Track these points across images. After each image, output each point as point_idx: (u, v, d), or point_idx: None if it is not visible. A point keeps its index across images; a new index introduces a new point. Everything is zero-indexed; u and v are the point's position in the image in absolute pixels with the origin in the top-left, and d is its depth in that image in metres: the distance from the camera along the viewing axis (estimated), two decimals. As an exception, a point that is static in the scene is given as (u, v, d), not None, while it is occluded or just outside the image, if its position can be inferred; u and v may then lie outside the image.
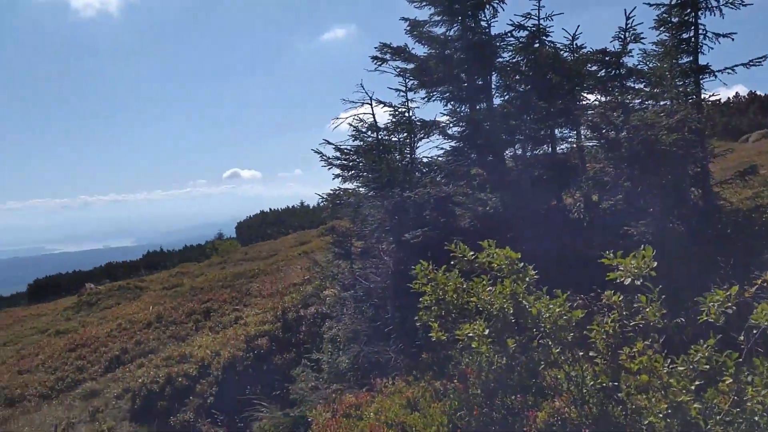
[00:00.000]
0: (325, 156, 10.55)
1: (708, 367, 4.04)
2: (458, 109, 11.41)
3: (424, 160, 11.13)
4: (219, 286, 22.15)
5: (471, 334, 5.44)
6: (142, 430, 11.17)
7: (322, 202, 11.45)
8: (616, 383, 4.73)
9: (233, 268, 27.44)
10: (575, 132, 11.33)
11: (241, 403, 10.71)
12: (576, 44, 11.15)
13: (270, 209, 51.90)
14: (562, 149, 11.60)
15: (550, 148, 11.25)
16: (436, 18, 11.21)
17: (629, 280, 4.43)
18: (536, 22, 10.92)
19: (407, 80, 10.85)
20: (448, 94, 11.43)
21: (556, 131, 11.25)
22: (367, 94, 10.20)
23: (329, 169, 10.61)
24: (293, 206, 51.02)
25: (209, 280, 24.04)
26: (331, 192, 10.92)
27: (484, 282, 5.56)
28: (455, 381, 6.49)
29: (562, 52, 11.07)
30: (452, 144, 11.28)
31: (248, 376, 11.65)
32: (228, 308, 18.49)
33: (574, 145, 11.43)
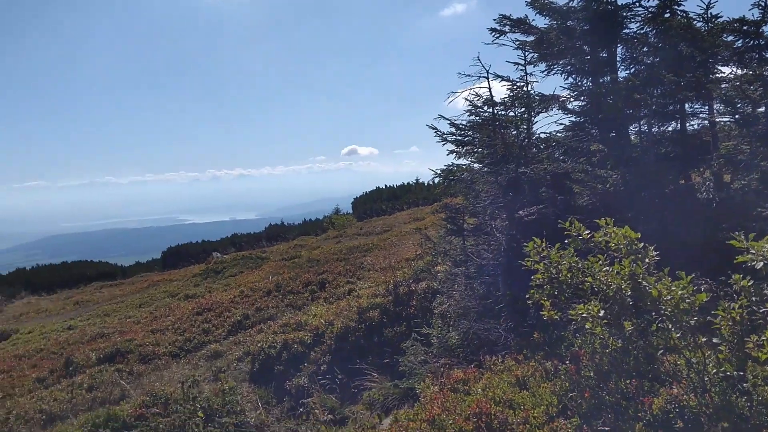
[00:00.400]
0: (440, 131, 10.49)
1: None
2: (580, 83, 10.97)
3: (542, 135, 10.81)
4: (334, 259, 22.77)
5: (585, 315, 5.28)
6: (260, 391, 11.69)
7: (435, 178, 11.42)
8: (741, 372, 4.45)
9: (348, 242, 28.10)
10: (707, 107, 10.59)
11: (352, 372, 10.99)
12: (710, 13, 10.36)
13: (385, 185, 52.46)
14: (692, 125, 10.87)
15: (678, 124, 10.59)
16: (559, -12, 10.80)
17: (761, 264, 4.12)
18: (667, -10, 10.27)
19: (526, 53, 10.54)
20: (569, 67, 10.99)
21: (686, 106, 10.55)
22: (484, 67, 10.00)
23: (443, 144, 10.55)
24: (408, 183, 51.27)
25: (325, 253, 24.76)
26: (445, 167, 10.87)
27: (600, 262, 5.37)
28: (567, 362, 6.34)
29: (695, 22, 10.34)
30: (572, 119, 10.87)
31: (359, 347, 11.92)
32: (342, 280, 18.98)
33: (706, 121, 10.69)
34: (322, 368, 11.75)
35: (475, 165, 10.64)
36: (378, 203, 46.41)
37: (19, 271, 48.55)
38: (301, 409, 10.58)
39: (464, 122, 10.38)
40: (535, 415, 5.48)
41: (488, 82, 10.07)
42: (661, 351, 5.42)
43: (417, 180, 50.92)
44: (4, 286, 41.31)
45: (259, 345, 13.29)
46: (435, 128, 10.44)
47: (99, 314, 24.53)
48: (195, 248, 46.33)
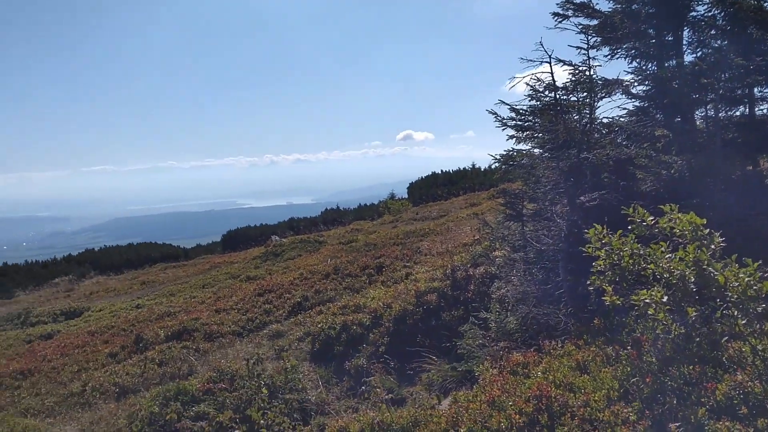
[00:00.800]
0: (500, 116, 10.47)
1: None
2: (644, 67, 10.79)
3: (605, 120, 10.67)
4: (391, 243, 22.90)
5: (648, 301, 5.29)
6: (320, 370, 11.98)
7: (494, 163, 11.41)
8: (809, 361, 4.42)
9: (404, 226, 28.22)
10: (777, 91, 10.29)
11: (410, 354, 11.15)
12: (783, -6, 10.05)
13: (441, 171, 52.07)
14: (762, 110, 10.58)
15: (747, 109, 10.32)
16: (624, -29, 10.63)
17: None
18: (738, -29, 9.98)
19: (589, 37, 10.40)
20: (633, 51, 10.83)
21: (756, 90, 10.27)
22: (546, 52, 9.91)
23: (503, 129, 10.52)
24: (464, 168, 50.78)
25: (382, 238, 24.92)
26: (504, 153, 10.85)
27: (663, 248, 5.36)
28: (628, 348, 6.34)
29: (765, 4, 10.02)
30: (636, 104, 10.71)
31: (417, 329, 12.04)
32: (399, 264, 19.07)
33: (776, 106, 10.39)
34: (380, 350, 11.94)
35: (536, 150, 10.59)
36: (434, 188, 46.25)
37: (89, 251, 50.63)
38: (362, 388, 10.81)
39: (525, 107, 10.34)
40: (596, 398, 5.53)
41: (550, 66, 9.98)
42: (726, 338, 5.39)
43: (473, 165, 50.33)
44: (75, 265, 43.27)
45: (319, 326, 13.57)
46: (495, 113, 10.43)
47: (165, 294, 25.43)
48: (254, 231, 47.24)
